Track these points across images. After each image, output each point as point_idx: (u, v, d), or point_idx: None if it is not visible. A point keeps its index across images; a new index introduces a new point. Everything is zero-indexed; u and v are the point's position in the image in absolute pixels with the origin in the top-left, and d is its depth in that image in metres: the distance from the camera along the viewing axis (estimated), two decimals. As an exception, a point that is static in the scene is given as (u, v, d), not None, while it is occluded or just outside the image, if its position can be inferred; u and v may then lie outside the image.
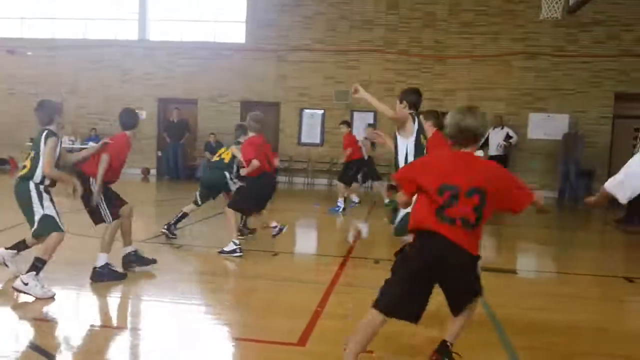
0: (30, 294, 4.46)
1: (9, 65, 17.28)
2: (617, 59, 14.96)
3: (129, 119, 5.51)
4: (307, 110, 16.38)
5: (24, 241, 5.03)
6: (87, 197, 5.10)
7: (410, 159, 4.94)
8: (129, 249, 5.45)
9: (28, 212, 4.65)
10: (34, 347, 3.46)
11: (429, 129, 7.01)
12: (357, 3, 15.92)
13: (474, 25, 15.44)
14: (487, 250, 7.82)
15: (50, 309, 4.33)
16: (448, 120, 3.14)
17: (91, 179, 5.13)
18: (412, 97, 5.27)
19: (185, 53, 16.72)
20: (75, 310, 4.42)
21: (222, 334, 3.96)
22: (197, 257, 6.18)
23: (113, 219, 5.23)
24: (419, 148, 5.06)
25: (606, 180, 3.59)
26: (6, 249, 5.03)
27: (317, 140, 16.39)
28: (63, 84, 16.52)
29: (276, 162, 7.45)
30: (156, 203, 11.23)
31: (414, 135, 5.09)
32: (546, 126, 15.10)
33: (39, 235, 4.69)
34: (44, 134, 4.70)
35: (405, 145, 5.06)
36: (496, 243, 8.70)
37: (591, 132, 15.02)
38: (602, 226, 10.60)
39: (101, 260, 5.07)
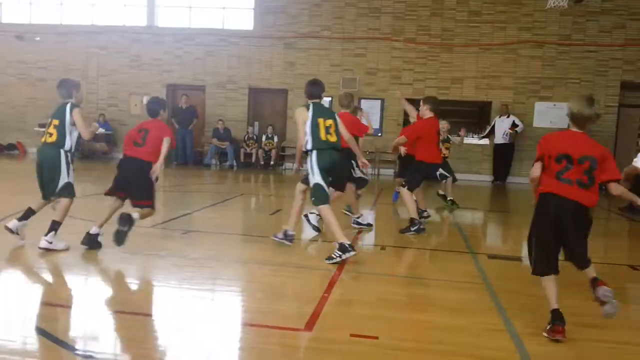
0: (56, 249, 5.31)
1: (17, 51, 17.43)
2: (624, 48, 14.96)
3: (155, 105, 6.12)
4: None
5: (30, 209, 5.49)
6: (141, 177, 5.56)
7: None
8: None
9: (53, 176, 5.36)
10: (41, 331, 3.54)
11: (426, 112, 7.31)
12: (364, -11, 15.92)
13: (481, 14, 15.44)
14: (493, 238, 7.97)
15: (61, 294, 4.52)
16: (572, 106, 3.91)
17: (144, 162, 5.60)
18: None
19: (193, 39, 16.81)
20: (84, 295, 4.60)
21: (229, 320, 4.04)
22: (205, 243, 6.32)
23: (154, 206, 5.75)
24: None
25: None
26: (18, 220, 5.48)
27: (324, 127, 16.47)
28: (72, 69, 16.66)
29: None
30: (165, 189, 11.38)
31: None
32: (552, 115, 15.14)
33: (59, 196, 5.40)
34: (68, 105, 5.46)
35: None
36: (503, 231, 8.85)
37: (597, 122, 15.03)
38: (607, 214, 10.69)
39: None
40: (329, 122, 5.80)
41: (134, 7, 17.26)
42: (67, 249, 5.41)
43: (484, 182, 15.35)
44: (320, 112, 5.83)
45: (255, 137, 16.44)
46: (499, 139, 15.08)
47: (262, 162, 16.21)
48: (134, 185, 5.58)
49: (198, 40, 16.78)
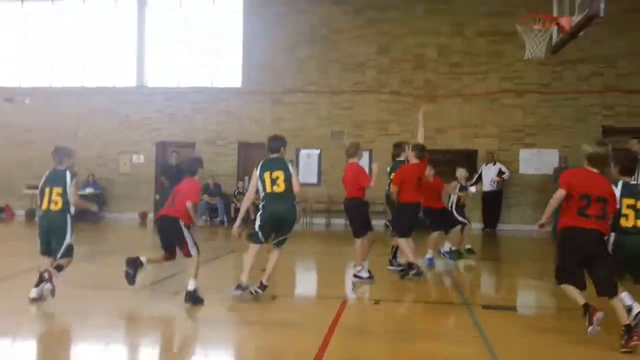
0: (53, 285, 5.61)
1: (6, 114, 17.53)
2: (602, 95, 15.40)
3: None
4: (303, 151, 16.67)
5: (42, 273, 5.75)
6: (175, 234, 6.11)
7: None
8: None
9: (59, 238, 5.86)
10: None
11: (412, 158, 7.69)
12: (348, 47, 16.39)
13: (462, 66, 15.90)
14: (487, 287, 7.96)
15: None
16: (589, 150, 4.89)
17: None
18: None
19: (183, 97, 17.09)
20: None
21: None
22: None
23: (198, 252, 6.16)
24: None
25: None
26: (36, 286, 5.74)
27: (315, 180, 16.63)
28: (61, 131, 16.78)
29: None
30: (153, 248, 11.31)
31: None
32: (536, 161, 15.41)
33: (63, 257, 5.87)
34: (68, 173, 5.99)
35: None
36: (496, 280, 8.84)
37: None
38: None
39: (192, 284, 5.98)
40: (276, 174, 6.19)
41: (124, 67, 17.58)
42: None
43: (474, 229, 15.40)
44: (268, 166, 6.33)
45: (245, 191, 16.47)
46: (487, 186, 15.26)
47: (253, 217, 16.18)
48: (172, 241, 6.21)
49: (187, 98, 17.06)
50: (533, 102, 15.66)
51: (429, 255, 8.87)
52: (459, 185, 9.67)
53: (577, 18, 7.50)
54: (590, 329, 4.52)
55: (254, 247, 6.31)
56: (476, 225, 15.56)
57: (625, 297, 4.86)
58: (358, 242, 7.53)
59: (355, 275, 7.50)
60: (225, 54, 17.31)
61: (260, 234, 6.28)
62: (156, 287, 6.96)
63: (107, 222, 16.22)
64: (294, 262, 10.02)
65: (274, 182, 6.23)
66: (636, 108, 15.28)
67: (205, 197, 16.27)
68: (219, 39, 17.33)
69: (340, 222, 16.22)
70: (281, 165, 6.38)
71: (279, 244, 6.40)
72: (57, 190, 5.86)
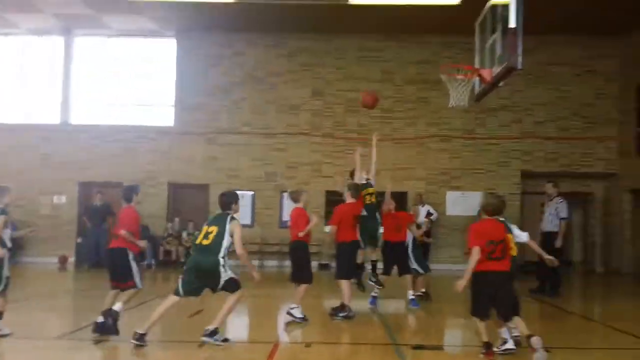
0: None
1: None
2: (521, 141, 16.32)
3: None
4: (237, 192, 16.53)
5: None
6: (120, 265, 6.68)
7: None
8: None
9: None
10: None
11: (348, 197, 7.92)
12: (282, 89, 16.67)
13: (393, 111, 16.48)
14: (416, 327, 8.07)
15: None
16: (486, 201, 5.95)
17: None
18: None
19: (110, 136, 16.69)
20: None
21: None
22: (116, 352, 6.01)
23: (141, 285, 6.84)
24: None
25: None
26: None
27: (248, 222, 16.49)
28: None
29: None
30: (74, 294, 10.78)
31: None
32: (463, 203, 16.00)
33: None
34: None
35: None
36: (425, 319, 8.96)
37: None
38: (519, 297, 11.15)
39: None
40: (211, 228, 6.25)
41: (48, 104, 17.02)
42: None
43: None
44: (210, 221, 6.48)
45: (175, 233, 16.13)
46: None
47: (183, 260, 15.78)
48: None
49: (115, 137, 16.67)
50: (458, 147, 16.38)
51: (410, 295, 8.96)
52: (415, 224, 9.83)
53: (497, 69, 7.97)
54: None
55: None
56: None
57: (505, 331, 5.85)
58: (303, 286, 7.62)
59: (289, 313, 7.54)
60: (157, 93, 17.16)
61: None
62: (76, 336, 6.62)
63: (24, 266, 15.25)
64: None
65: (205, 236, 6.28)
66: (551, 154, 16.31)
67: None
68: (150, 77, 17.20)
69: (273, 264, 16.14)
70: (219, 222, 6.35)
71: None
72: None
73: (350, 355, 6.32)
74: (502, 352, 5.70)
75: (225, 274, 6.23)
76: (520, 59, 7.02)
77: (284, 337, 7.00)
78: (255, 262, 16.17)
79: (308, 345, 6.56)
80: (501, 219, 5.95)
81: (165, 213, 16.50)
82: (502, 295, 5.55)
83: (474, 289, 5.67)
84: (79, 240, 16.40)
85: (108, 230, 15.91)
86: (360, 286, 8.51)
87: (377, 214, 9.00)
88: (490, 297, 5.55)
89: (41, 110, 17.11)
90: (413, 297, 9.03)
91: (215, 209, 17.78)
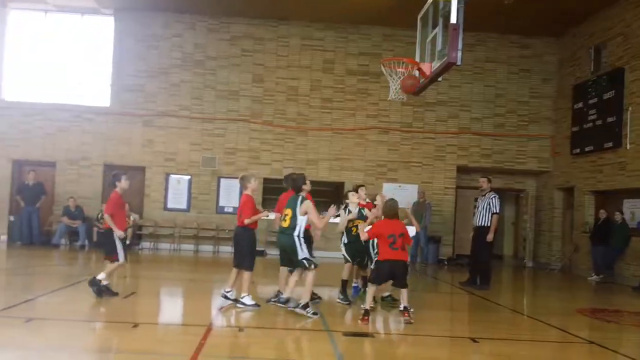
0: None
1: None
2: (457, 136, 16.84)
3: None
4: (173, 176, 16.35)
5: None
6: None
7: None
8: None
9: None
10: None
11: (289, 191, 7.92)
12: (222, 74, 16.50)
13: (333, 101, 16.64)
14: (349, 315, 8.26)
15: None
16: (387, 205, 7.29)
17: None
18: None
19: (43, 114, 16.08)
20: None
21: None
22: (49, 331, 5.90)
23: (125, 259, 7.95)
24: None
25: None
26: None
27: (184, 206, 16.33)
28: None
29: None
30: (6, 272, 10.44)
31: None
32: (398, 195, 16.31)
33: None
34: None
35: None
36: (357, 307, 9.18)
37: (437, 202, 16.58)
38: (450, 288, 11.59)
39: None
40: (287, 211, 7.37)
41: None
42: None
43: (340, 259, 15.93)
44: (287, 204, 7.46)
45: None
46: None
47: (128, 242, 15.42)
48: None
49: (49, 116, 16.08)
50: (396, 139, 16.72)
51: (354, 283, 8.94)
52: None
53: (437, 64, 8.19)
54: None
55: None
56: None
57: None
58: (246, 274, 7.55)
59: (240, 302, 7.53)
60: (93, 73, 16.63)
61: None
62: (6, 314, 6.45)
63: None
64: (159, 288, 9.75)
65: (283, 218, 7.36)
66: (486, 149, 16.90)
67: (65, 220, 15.34)
68: (87, 56, 16.64)
69: (208, 249, 16.06)
70: (292, 203, 7.36)
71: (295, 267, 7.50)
72: None
73: (285, 339, 6.42)
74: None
75: (302, 253, 7.18)
76: (460, 54, 7.22)
77: (217, 321, 7.03)
78: (191, 247, 16.06)
79: (241, 329, 6.63)
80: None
81: (100, 195, 16.07)
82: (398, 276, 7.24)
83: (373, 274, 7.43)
84: (11, 218, 15.85)
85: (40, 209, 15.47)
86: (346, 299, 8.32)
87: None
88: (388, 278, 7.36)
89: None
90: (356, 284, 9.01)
91: (152, 192, 17.58)
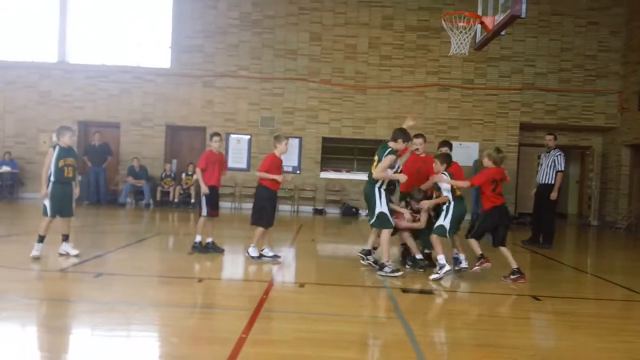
0: None
1: None
2: (521, 92, 16.21)
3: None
4: (233, 135, 16.56)
5: None
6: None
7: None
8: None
9: None
10: None
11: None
12: (280, 33, 16.40)
13: (392, 58, 16.28)
14: (408, 272, 8.25)
15: None
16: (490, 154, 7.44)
17: None
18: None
19: (107, 76, 16.54)
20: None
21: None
22: (117, 286, 6.17)
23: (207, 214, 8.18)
24: None
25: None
26: None
27: (244, 165, 16.58)
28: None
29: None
30: (76, 229, 10.98)
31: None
32: (459, 154, 15.98)
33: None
34: None
35: None
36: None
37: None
38: (512, 247, 11.36)
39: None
40: (375, 158, 7.18)
41: (45, 42, 16.76)
42: None
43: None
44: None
45: (173, 174, 16.22)
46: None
47: (176, 200, 15.88)
48: None
49: (112, 78, 16.52)
50: (457, 97, 16.28)
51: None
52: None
53: (499, 17, 7.83)
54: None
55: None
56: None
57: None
58: (257, 230, 7.67)
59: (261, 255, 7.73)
60: (153, 34, 16.87)
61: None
62: (77, 269, 6.79)
63: (24, 202, 15.49)
64: (221, 246, 10.00)
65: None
66: (551, 106, 16.23)
67: (130, 179, 15.89)
68: (147, 18, 16.87)
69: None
70: (380, 152, 7.06)
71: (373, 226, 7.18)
72: None
73: (345, 295, 6.45)
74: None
75: (380, 207, 6.87)
76: (524, 7, 6.88)
77: (278, 277, 7.16)
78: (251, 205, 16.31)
79: (302, 285, 6.71)
80: None
81: (163, 155, 16.53)
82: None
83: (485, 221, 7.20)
84: (79, 178, 16.50)
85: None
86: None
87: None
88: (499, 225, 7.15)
89: (39, 48, 16.81)
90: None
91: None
